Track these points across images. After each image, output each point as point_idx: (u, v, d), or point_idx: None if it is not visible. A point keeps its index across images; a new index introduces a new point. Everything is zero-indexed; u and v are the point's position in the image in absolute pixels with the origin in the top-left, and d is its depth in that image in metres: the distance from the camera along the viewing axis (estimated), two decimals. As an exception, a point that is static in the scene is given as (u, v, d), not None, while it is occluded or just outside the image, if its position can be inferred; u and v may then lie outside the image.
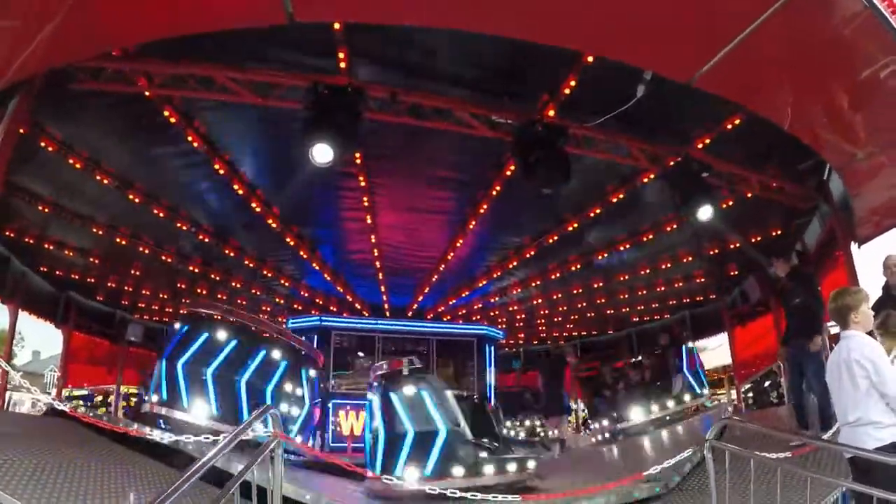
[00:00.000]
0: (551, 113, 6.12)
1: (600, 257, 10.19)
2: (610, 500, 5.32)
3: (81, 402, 15.57)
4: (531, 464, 6.31)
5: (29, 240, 9.32)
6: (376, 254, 10.15)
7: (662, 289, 11.92)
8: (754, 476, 3.85)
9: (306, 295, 12.59)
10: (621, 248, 9.76)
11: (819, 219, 8.18)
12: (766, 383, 13.81)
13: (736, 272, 10.92)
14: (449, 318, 13.37)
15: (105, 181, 7.50)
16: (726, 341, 12.95)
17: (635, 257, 10.31)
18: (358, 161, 6.99)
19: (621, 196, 7.95)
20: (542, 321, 15.05)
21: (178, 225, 8.90)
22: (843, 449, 3.52)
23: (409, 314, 12.79)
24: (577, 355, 15.37)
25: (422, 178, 7.84)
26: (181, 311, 7.44)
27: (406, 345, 12.02)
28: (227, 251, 10.03)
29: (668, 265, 10.55)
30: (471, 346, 12.20)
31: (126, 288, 12.22)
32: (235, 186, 7.74)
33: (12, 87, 4.80)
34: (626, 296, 12.54)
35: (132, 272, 11.04)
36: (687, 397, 11.10)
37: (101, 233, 9.06)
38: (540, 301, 13.14)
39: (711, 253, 10.04)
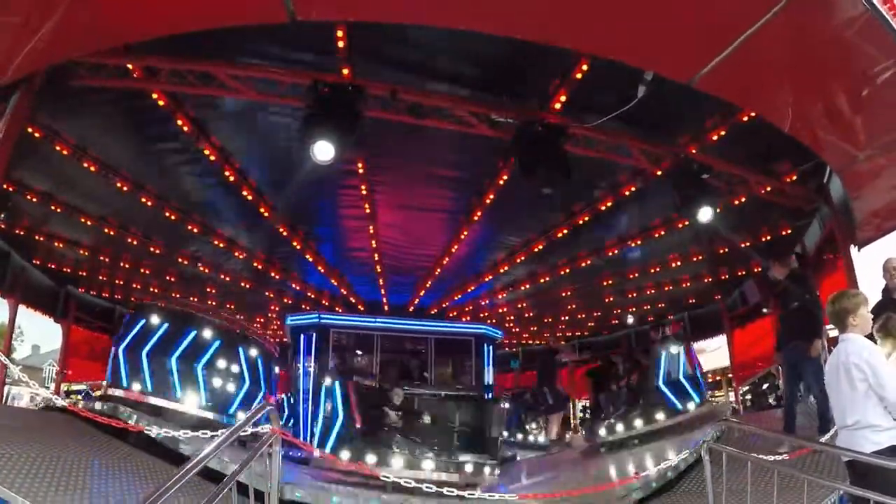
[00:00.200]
0: (551, 112, 6.11)
1: (599, 258, 10.18)
2: (609, 499, 5.33)
3: (80, 397, 15.61)
4: (487, 469, 6.43)
5: (29, 234, 9.35)
6: (376, 252, 10.15)
7: (662, 290, 11.91)
8: (751, 478, 3.86)
9: (304, 292, 12.59)
10: (617, 250, 9.76)
11: (819, 221, 8.17)
12: (765, 385, 13.81)
13: (735, 274, 10.91)
14: (453, 314, 13.37)
15: (106, 176, 7.50)
16: (725, 343, 12.94)
17: (635, 258, 10.30)
18: (358, 159, 6.99)
19: (623, 195, 7.95)
20: (541, 321, 15.06)
21: (190, 228, 8.93)
22: (841, 452, 3.52)
23: (410, 311, 12.78)
24: (576, 353, 15.40)
25: (421, 177, 7.84)
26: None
27: (405, 343, 12.02)
28: (236, 253, 10.07)
29: (668, 266, 10.54)
30: (469, 346, 12.19)
31: (126, 283, 12.25)
32: (232, 179, 7.71)
33: (13, 83, 4.81)
34: (629, 296, 12.55)
35: (131, 267, 11.05)
36: (660, 415, 9.11)
37: (101, 228, 9.06)
38: (538, 301, 13.14)
39: (711, 254, 10.03)
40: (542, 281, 11.36)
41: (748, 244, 9.19)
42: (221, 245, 9.89)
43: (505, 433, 11.91)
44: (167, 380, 7.18)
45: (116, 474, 4.97)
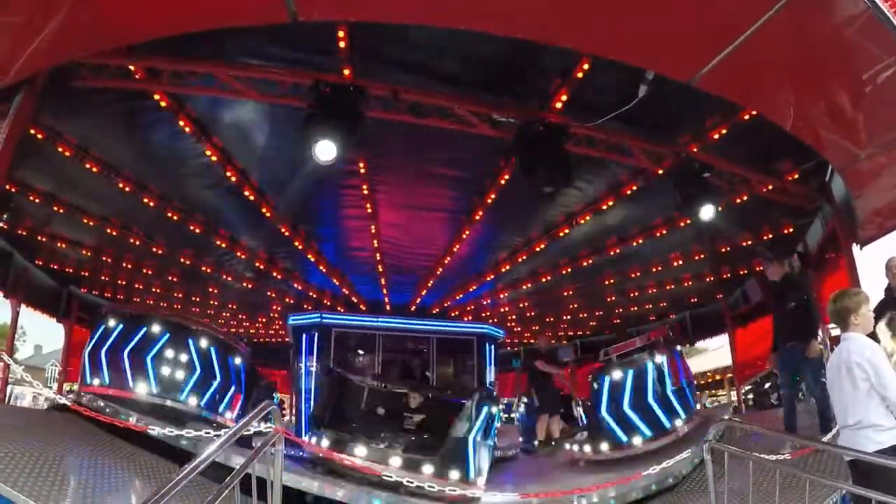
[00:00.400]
0: (553, 112, 6.11)
1: (601, 258, 10.18)
2: (608, 499, 5.33)
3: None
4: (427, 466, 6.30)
5: (31, 235, 9.38)
6: (377, 251, 10.16)
7: (663, 289, 11.90)
8: (753, 478, 3.86)
9: (306, 292, 12.61)
10: (621, 249, 9.75)
11: (821, 219, 8.16)
12: (767, 385, 13.80)
13: (737, 273, 10.91)
14: (455, 313, 13.38)
15: (108, 177, 7.52)
16: (727, 342, 12.93)
17: (637, 257, 10.29)
18: (359, 159, 7.00)
19: (624, 195, 7.95)
20: (543, 320, 15.05)
21: (192, 228, 8.95)
22: (841, 451, 3.52)
23: (412, 310, 12.80)
24: (576, 353, 15.38)
25: (423, 176, 7.84)
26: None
27: (406, 342, 12.03)
28: (238, 253, 10.08)
29: (670, 266, 10.54)
30: (471, 345, 12.20)
31: (128, 283, 12.28)
32: (234, 179, 7.73)
33: (16, 84, 4.82)
34: (627, 296, 12.55)
35: (134, 267, 11.08)
36: (604, 446, 7.92)
37: (103, 228, 9.09)
38: (539, 300, 13.14)
39: (712, 253, 10.03)
40: (543, 280, 11.36)
41: (752, 242, 9.20)
42: (223, 245, 9.90)
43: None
44: (121, 372, 7.96)
45: (119, 473, 4.99)
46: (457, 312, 13.56)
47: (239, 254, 10.28)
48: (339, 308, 12.90)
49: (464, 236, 9.35)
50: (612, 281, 11.54)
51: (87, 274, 11.55)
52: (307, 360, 11.59)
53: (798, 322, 6.36)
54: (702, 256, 10.21)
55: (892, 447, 3.23)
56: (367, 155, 7.00)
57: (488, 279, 11.45)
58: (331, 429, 6.95)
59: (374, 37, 5.22)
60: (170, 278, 11.80)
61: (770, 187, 7.48)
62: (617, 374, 8.14)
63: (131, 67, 5.62)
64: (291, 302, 13.27)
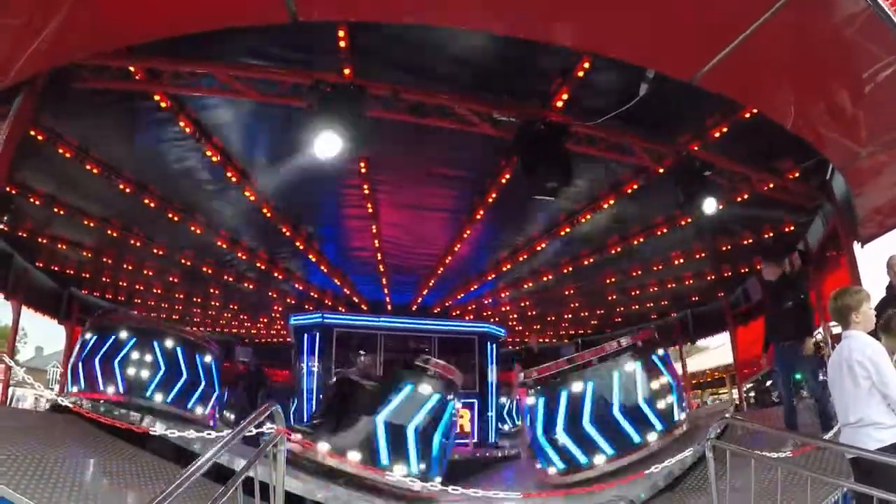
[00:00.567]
0: (553, 111, 6.11)
1: (603, 256, 10.18)
2: (610, 497, 5.33)
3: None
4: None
5: (32, 236, 9.38)
6: (378, 251, 10.17)
7: (664, 287, 11.91)
8: (755, 476, 3.86)
9: (307, 292, 12.61)
10: (623, 248, 9.75)
11: (822, 218, 8.16)
12: (768, 382, 13.80)
13: (738, 271, 10.91)
14: (456, 313, 13.39)
15: (108, 178, 7.52)
16: (728, 340, 12.95)
17: (638, 256, 10.30)
18: (360, 159, 6.99)
19: (625, 193, 7.95)
20: (544, 319, 15.07)
21: (193, 228, 8.95)
22: (844, 449, 3.52)
23: (413, 310, 12.81)
24: (577, 351, 15.35)
25: (424, 176, 7.85)
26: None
27: (408, 342, 12.05)
28: (240, 254, 10.08)
29: (671, 264, 10.54)
30: (472, 344, 12.22)
31: (128, 284, 12.29)
32: (234, 179, 7.73)
33: (16, 85, 4.82)
34: (628, 294, 12.55)
35: (134, 268, 11.09)
36: (553, 469, 7.01)
37: (104, 229, 9.09)
38: (540, 300, 13.15)
39: (714, 252, 10.03)
40: (544, 279, 11.38)
41: (753, 240, 9.20)
42: (224, 246, 9.93)
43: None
44: (93, 380, 8.68)
45: (121, 475, 4.99)
46: (458, 312, 13.57)
47: (240, 254, 10.28)
48: (339, 308, 12.92)
49: (465, 236, 9.36)
50: (613, 280, 11.55)
51: (87, 275, 11.57)
52: (309, 360, 11.61)
53: (794, 321, 6.39)
54: (703, 255, 10.21)
55: (894, 445, 3.23)
56: (368, 154, 7.00)
57: (489, 278, 11.46)
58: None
59: (375, 36, 5.21)
60: (171, 279, 11.81)
61: (771, 185, 7.48)
62: (629, 367, 7.12)
63: (131, 68, 5.62)
64: (293, 302, 13.29)
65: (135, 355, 8.72)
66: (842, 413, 3.56)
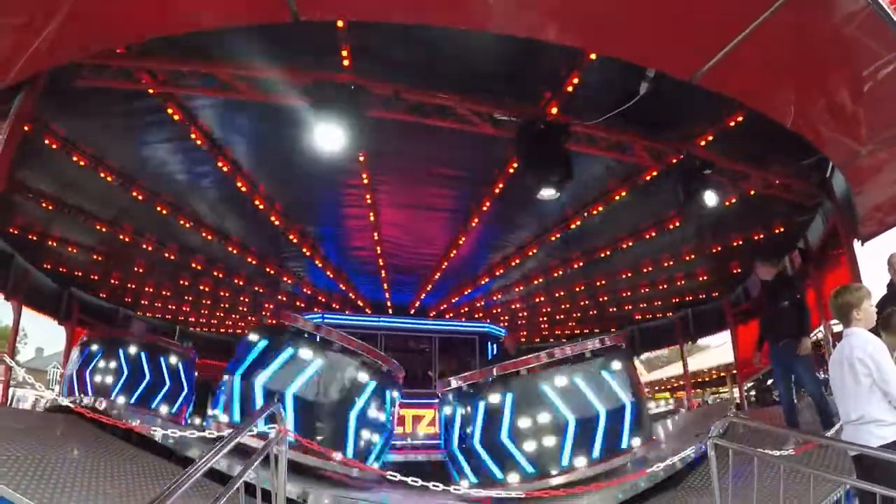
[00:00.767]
0: (554, 110, 6.11)
1: (603, 255, 10.19)
2: (613, 496, 5.31)
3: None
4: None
5: (32, 237, 9.38)
6: (379, 251, 10.17)
7: (665, 287, 11.92)
8: (757, 473, 3.86)
9: (309, 292, 12.62)
10: (624, 246, 9.76)
11: (822, 216, 8.17)
12: (769, 381, 13.82)
13: (739, 270, 10.91)
14: (451, 315, 13.39)
15: (108, 178, 7.53)
16: (729, 339, 12.96)
17: (638, 254, 10.30)
18: (361, 158, 7.00)
19: (623, 193, 7.95)
20: (545, 319, 15.06)
21: (181, 222, 8.92)
22: (846, 446, 3.52)
23: (412, 312, 12.81)
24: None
25: (424, 176, 7.85)
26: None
27: (409, 343, 12.05)
28: (230, 248, 10.05)
29: (671, 263, 10.55)
30: (473, 344, 12.22)
31: (129, 285, 12.29)
32: (239, 184, 7.75)
33: (16, 85, 4.82)
34: (629, 293, 12.56)
35: (135, 269, 11.10)
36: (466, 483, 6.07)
37: (104, 229, 9.10)
38: (542, 299, 13.15)
39: (714, 250, 10.03)
40: (554, 275, 11.34)
41: (752, 238, 9.21)
42: (235, 251, 10.04)
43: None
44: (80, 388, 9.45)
45: (122, 476, 4.98)
46: (459, 311, 13.57)
47: (250, 259, 10.43)
48: (334, 306, 12.92)
49: (465, 236, 9.36)
50: (610, 280, 11.57)
51: (91, 277, 11.56)
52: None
53: (791, 320, 6.39)
54: (702, 254, 10.22)
55: (895, 442, 3.24)
56: (369, 154, 7.01)
57: (489, 278, 11.46)
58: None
59: (376, 36, 5.21)
60: (181, 282, 11.83)
61: (771, 184, 7.48)
62: (494, 398, 6.08)
63: (132, 68, 5.62)
64: (302, 305, 13.31)
65: (101, 364, 9.49)
66: (843, 411, 3.57)
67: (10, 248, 9.71)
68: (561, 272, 11.05)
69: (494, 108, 6.17)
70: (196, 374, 10.71)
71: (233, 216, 9.13)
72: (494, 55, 5.50)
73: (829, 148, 5.77)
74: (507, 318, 14.54)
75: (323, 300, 12.82)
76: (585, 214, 8.62)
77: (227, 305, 14.02)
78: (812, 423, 6.22)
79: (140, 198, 8.05)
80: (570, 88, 5.82)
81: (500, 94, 6.11)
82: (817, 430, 5.76)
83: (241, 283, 11.89)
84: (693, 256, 10.31)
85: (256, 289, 12.40)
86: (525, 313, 14.54)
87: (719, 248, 9.91)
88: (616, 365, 6.29)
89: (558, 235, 9.38)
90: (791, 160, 7.13)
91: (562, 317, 14.78)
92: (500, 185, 7.70)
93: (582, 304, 13.55)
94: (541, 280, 11.60)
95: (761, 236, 9.22)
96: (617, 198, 8.08)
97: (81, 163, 7.14)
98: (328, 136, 5.51)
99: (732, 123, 6.33)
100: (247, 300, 13.60)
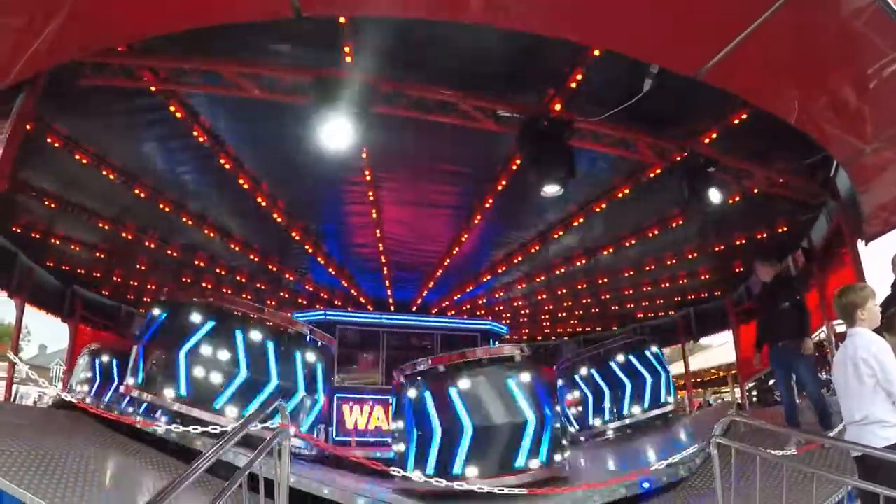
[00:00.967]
0: (557, 107, 6.09)
1: (605, 253, 10.17)
2: (616, 495, 5.30)
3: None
4: None
5: (35, 235, 9.40)
6: (381, 248, 10.17)
7: (667, 285, 11.90)
8: (760, 473, 3.85)
9: (311, 289, 12.62)
10: (627, 245, 9.74)
11: (826, 215, 8.13)
12: (771, 381, 13.80)
13: (741, 269, 10.88)
14: (453, 312, 13.38)
15: (111, 176, 7.54)
16: (731, 338, 12.93)
17: (640, 253, 10.28)
18: (363, 155, 6.99)
19: (627, 190, 7.93)
20: (547, 316, 15.05)
21: (184, 220, 8.93)
22: (849, 447, 3.50)
23: (414, 309, 12.81)
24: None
25: (427, 173, 7.84)
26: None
27: (411, 339, 12.05)
28: (232, 246, 10.07)
29: (673, 261, 10.53)
30: (475, 341, 12.22)
31: (132, 283, 12.31)
32: (241, 181, 7.75)
33: (18, 84, 4.82)
34: (631, 292, 12.54)
35: (137, 267, 11.11)
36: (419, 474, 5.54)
37: (106, 227, 9.12)
38: (544, 296, 13.14)
39: (717, 249, 10.01)
40: (556, 273, 11.34)
41: (755, 237, 9.18)
42: (237, 249, 10.04)
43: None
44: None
45: (126, 471, 4.99)
46: (461, 308, 13.56)
47: (252, 256, 10.44)
48: (336, 302, 12.94)
49: (467, 233, 9.35)
50: (612, 278, 11.55)
51: (94, 274, 11.59)
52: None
53: (791, 321, 6.37)
54: (705, 253, 10.19)
55: (899, 442, 3.22)
56: (371, 151, 7.00)
57: (492, 275, 11.45)
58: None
59: (378, 31, 5.19)
60: (184, 280, 11.85)
61: (776, 181, 7.45)
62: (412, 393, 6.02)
63: (133, 66, 5.61)
64: (304, 302, 13.33)
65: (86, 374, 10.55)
66: (847, 411, 3.55)
67: (14, 246, 9.74)
68: (563, 269, 11.03)
69: (497, 104, 6.15)
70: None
71: (235, 213, 9.13)
72: (498, 51, 5.49)
73: (834, 146, 5.73)
74: (509, 315, 14.54)
75: (325, 297, 12.82)
76: (588, 212, 8.60)
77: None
78: (814, 422, 6.20)
79: (142, 195, 8.05)
80: (573, 85, 5.80)
81: (503, 90, 6.09)
82: (819, 431, 5.74)
83: (243, 280, 11.91)
84: (696, 255, 10.28)
85: (259, 286, 12.41)
86: (527, 311, 14.53)
87: (722, 247, 9.88)
88: (525, 377, 5.92)
89: (561, 233, 9.35)
90: (795, 158, 7.10)
91: (564, 314, 14.76)
92: (503, 182, 7.68)
93: (584, 301, 13.54)
94: (543, 278, 11.58)
95: (764, 235, 9.19)
96: (620, 195, 8.05)
97: (84, 161, 7.15)
98: (330, 133, 5.51)
99: (736, 121, 6.30)
100: (249, 298, 13.60)
